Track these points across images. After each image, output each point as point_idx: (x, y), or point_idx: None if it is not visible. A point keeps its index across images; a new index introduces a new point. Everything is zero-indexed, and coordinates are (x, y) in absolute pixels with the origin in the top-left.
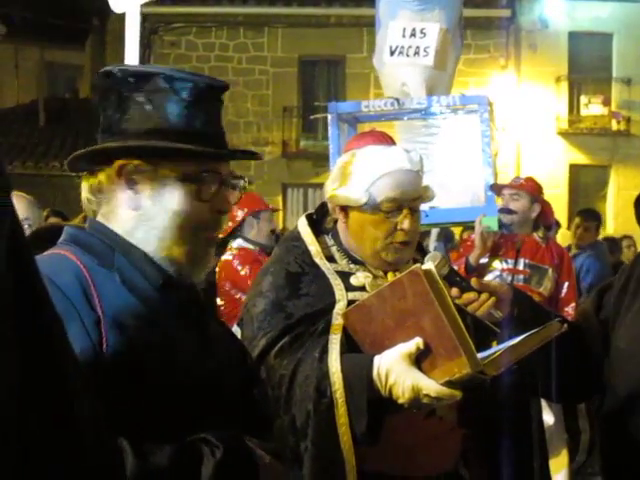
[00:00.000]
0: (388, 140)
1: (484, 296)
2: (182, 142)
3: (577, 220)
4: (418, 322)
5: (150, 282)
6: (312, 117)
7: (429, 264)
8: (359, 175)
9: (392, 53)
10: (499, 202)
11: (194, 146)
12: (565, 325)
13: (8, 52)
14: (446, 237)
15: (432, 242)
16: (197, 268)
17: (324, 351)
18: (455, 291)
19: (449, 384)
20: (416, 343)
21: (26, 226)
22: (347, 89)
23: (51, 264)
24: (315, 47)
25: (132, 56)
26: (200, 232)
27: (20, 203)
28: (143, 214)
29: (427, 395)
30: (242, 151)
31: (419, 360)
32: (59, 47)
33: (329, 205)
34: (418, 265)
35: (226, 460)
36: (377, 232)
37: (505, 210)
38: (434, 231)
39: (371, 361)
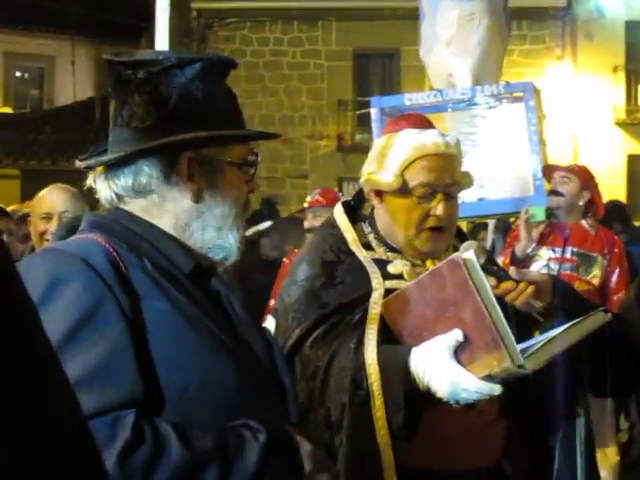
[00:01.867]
0: (425, 123)
1: (522, 285)
2: (227, 126)
3: None
4: (458, 313)
5: (180, 268)
6: (358, 112)
7: (470, 252)
8: (392, 159)
9: (448, 44)
10: (548, 187)
11: (240, 130)
12: (609, 315)
13: (65, 48)
14: (505, 228)
15: (490, 234)
16: (239, 252)
17: (360, 342)
18: (492, 281)
19: (488, 378)
20: (455, 335)
21: (65, 219)
22: (402, 82)
23: (83, 247)
24: (369, 40)
25: (162, 41)
26: (243, 214)
27: (61, 195)
28: (202, 205)
29: (466, 389)
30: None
31: (458, 352)
32: (115, 44)
33: (365, 190)
34: (458, 254)
35: (270, 443)
36: (410, 218)
37: (553, 192)
38: (491, 223)
39: (409, 353)
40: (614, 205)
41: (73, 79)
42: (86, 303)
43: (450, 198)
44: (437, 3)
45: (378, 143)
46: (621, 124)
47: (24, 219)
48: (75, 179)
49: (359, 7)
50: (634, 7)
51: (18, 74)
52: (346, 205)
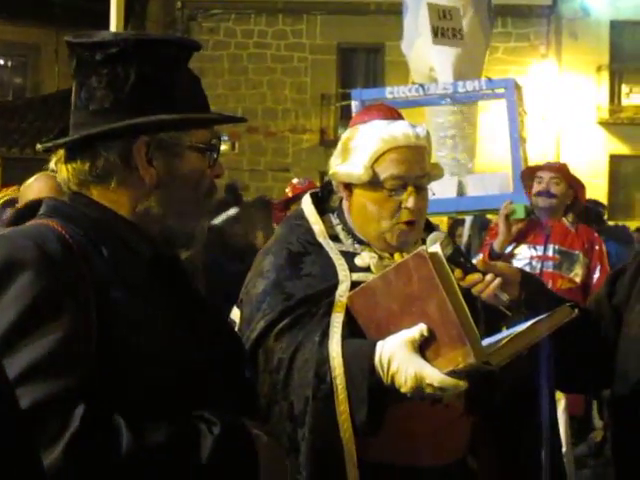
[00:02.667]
0: (394, 114)
1: (489, 277)
2: (188, 110)
3: None
4: (423, 307)
5: (140, 256)
6: (338, 104)
7: (436, 246)
8: (362, 151)
9: (436, 34)
10: (536, 187)
11: (204, 113)
12: (576, 310)
13: (49, 37)
14: (482, 225)
15: (466, 230)
16: (201, 239)
17: (325, 335)
18: (458, 273)
19: (453, 373)
20: (420, 329)
21: None
22: (386, 76)
23: (37, 233)
24: (354, 34)
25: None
26: (207, 200)
27: (49, 182)
28: (164, 191)
29: (430, 385)
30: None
31: (423, 347)
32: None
33: (333, 183)
34: (424, 247)
35: (225, 436)
36: (381, 211)
37: (545, 193)
38: (468, 220)
39: (373, 347)
40: (587, 206)
41: (57, 68)
42: (39, 290)
43: (420, 190)
44: None
45: (346, 135)
46: (604, 123)
47: (12, 204)
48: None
49: (344, 1)
50: (619, 7)
51: (1, 62)
52: (314, 196)
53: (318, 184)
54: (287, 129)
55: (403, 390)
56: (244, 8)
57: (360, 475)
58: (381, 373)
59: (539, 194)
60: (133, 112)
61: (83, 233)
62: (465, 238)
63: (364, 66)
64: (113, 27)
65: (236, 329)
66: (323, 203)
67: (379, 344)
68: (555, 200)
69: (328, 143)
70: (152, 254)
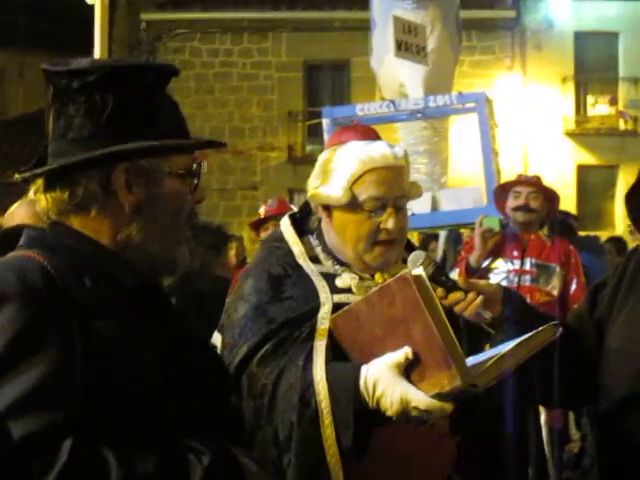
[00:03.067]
0: (372, 134)
1: (471, 295)
2: (167, 136)
3: None
4: (407, 330)
5: (123, 284)
6: (308, 123)
7: (419, 269)
8: (340, 172)
9: (399, 47)
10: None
11: (182, 139)
12: (560, 329)
13: (14, 60)
14: (456, 240)
15: (441, 245)
16: (186, 263)
17: (309, 359)
18: (440, 291)
19: (439, 396)
20: (405, 353)
21: None
22: (352, 93)
23: (18, 265)
24: (320, 51)
25: (101, 48)
26: (187, 226)
27: (31, 209)
28: (144, 218)
29: (416, 408)
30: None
31: (408, 370)
32: (65, 55)
33: (312, 204)
34: (407, 270)
35: (213, 466)
36: (360, 232)
37: (524, 208)
38: (442, 234)
39: (358, 371)
40: (558, 221)
41: (21, 91)
42: (22, 324)
43: (400, 210)
44: (389, 13)
45: (324, 156)
46: (571, 134)
47: None
48: (25, 192)
49: (309, 19)
50: (583, 18)
51: None
52: (293, 218)
53: (288, 200)
54: (255, 147)
55: (389, 413)
56: (209, 27)
57: None
58: (366, 397)
59: (518, 209)
60: (112, 140)
61: (65, 264)
62: (440, 253)
63: (330, 82)
64: (97, 54)
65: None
66: (302, 224)
67: (363, 368)
68: (534, 215)
69: (296, 160)
70: (134, 283)
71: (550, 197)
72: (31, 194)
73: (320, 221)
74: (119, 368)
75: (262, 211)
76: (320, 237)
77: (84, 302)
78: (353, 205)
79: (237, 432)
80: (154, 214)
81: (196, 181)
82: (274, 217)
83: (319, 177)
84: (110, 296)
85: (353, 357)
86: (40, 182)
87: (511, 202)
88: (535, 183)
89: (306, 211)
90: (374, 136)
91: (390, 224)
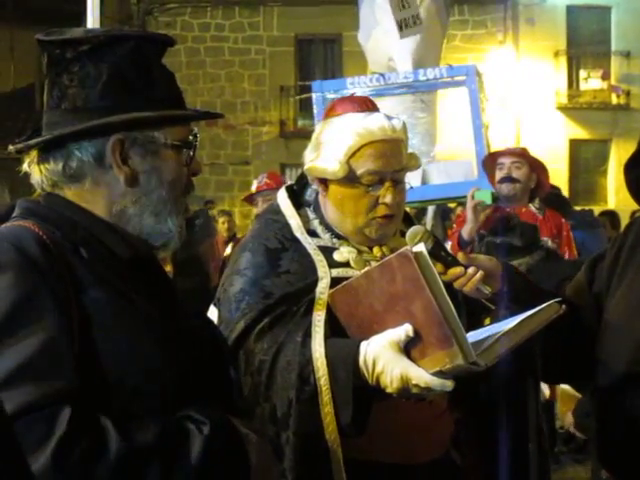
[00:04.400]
0: (369, 106)
1: (471, 270)
2: (163, 107)
3: None
4: (408, 307)
5: (118, 256)
6: (300, 97)
7: (421, 246)
8: (337, 145)
9: (401, 27)
10: (498, 174)
11: (178, 110)
12: (563, 306)
13: (4, 36)
14: (443, 214)
15: (429, 220)
16: (181, 237)
17: (307, 335)
18: (439, 267)
19: (440, 374)
20: (405, 330)
21: None
22: (344, 67)
23: (14, 235)
24: (311, 25)
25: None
26: (184, 199)
27: None
28: (138, 189)
29: (417, 385)
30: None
31: (408, 347)
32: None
33: (308, 177)
34: (408, 247)
35: (214, 436)
36: (358, 207)
37: (507, 179)
38: (430, 209)
39: (357, 347)
40: (552, 195)
41: (12, 66)
42: (19, 293)
43: (398, 184)
44: None
45: (320, 128)
46: (563, 108)
47: None
48: (16, 166)
49: None
50: None
51: None
52: (290, 190)
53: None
54: (246, 122)
55: (389, 391)
56: (200, 1)
57: (347, 476)
58: (366, 374)
59: (502, 181)
60: (106, 110)
61: (60, 234)
62: (428, 227)
63: (322, 57)
64: (90, 25)
65: None
66: (298, 197)
67: (363, 344)
68: (518, 185)
69: (288, 135)
70: (130, 255)
71: (537, 167)
72: (25, 166)
73: (317, 194)
74: (115, 337)
75: (254, 188)
76: (317, 210)
77: (80, 272)
78: (350, 179)
79: (237, 404)
80: (149, 186)
81: (192, 153)
82: (262, 193)
83: (315, 150)
84: (106, 266)
85: (351, 332)
86: (34, 154)
87: (497, 175)
88: (517, 153)
89: (302, 184)
90: (371, 107)
91: (388, 198)
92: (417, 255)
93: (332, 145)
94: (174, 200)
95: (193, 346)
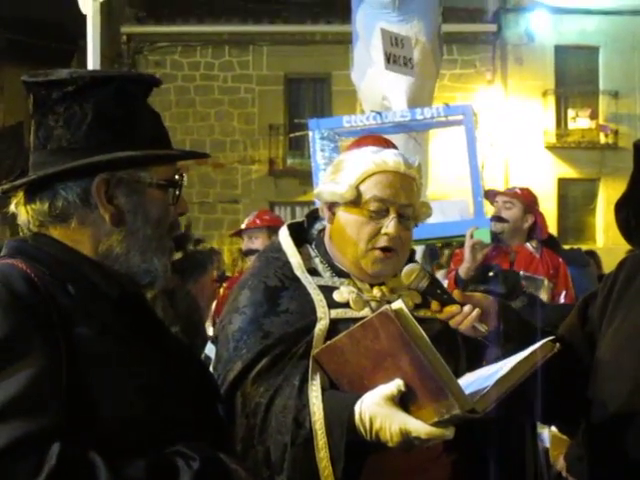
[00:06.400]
0: (389, 144)
1: (467, 309)
2: (148, 146)
3: None
4: (397, 363)
5: (106, 294)
6: (292, 135)
7: (399, 302)
8: (350, 170)
9: (388, 60)
10: (489, 214)
11: (164, 149)
12: (557, 345)
13: None
14: (431, 254)
15: (418, 260)
16: (168, 275)
17: (304, 380)
18: (435, 305)
19: (439, 423)
20: (397, 385)
21: None
22: (333, 106)
23: (1, 272)
24: (300, 65)
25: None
26: (169, 238)
27: None
28: (125, 229)
29: (417, 438)
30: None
31: (404, 401)
32: (44, 68)
33: (319, 205)
34: (388, 306)
35: (203, 471)
36: (360, 233)
37: (496, 218)
38: (419, 249)
39: (352, 406)
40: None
41: (1, 104)
42: (7, 329)
43: (404, 220)
44: (372, 26)
45: (338, 158)
46: (551, 148)
47: None
48: (5, 205)
49: (290, 32)
50: (563, 32)
51: None
52: (292, 228)
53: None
54: (236, 160)
55: (390, 445)
56: (190, 40)
57: None
58: (363, 432)
59: (492, 219)
60: (91, 150)
61: (48, 272)
62: None
63: (311, 96)
64: (90, 64)
65: (212, 366)
66: (303, 233)
67: (357, 404)
68: (506, 225)
69: (277, 173)
70: (118, 294)
71: (531, 209)
72: (12, 207)
73: (320, 232)
74: (103, 373)
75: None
76: (319, 247)
77: (68, 310)
78: (357, 203)
79: (225, 442)
80: (135, 225)
81: (178, 192)
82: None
83: (329, 176)
84: (94, 304)
85: (342, 388)
86: (21, 195)
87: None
88: (509, 193)
89: (312, 218)
90: (391, 146)
91: (391, 229)
92: (397, 312)
93: (345, 171)
94: (160, 239)
95: (182, 383)
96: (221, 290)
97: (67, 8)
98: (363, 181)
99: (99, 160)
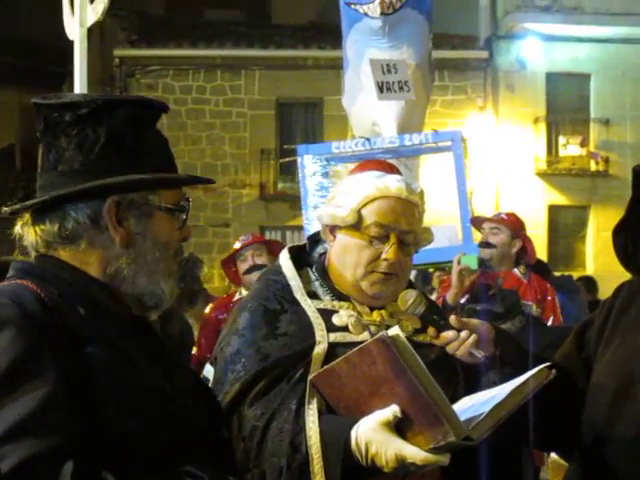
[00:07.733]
0: (393, 170)
1: (464, 334)
2: (157, 170)
3: None
4: (393, 389)
5: (114, 316)
6: (281, 161)
7: (395, 329)
8: (352, 195)
9: (381, 89)
10: (477, 240)
11: (171, 174)
12: (553, 371)
13: None
14: (423, 279)
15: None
16: (172, 298)
17: (301, 404)
18: (432, 331)
19: (434, 450)
20: (393, 411)
21: None
22: (325, 131)
23: (13, 292)
24: (292, 89)
25: (81, 83)
26: (175, 261)
27: None
28: (134, 251)
29: (413, 464)
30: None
31: (400, 426)
32: (37, 90)
33: (321, 227)
34: (385, 332)
35: None
36: (359, 258)
37: (484, 244)
38: (412, 274)
39: (349, 431)
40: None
41: None
42: (20, 348)
43: (404, 246)
44: (362, 52)
45: (342, 181)
46: (542, 175)
47: None
48: (2, 227)
49: (282, 56)
50: (554, 59)
51: None
52: (293, 251)
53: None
54: (227, 184)
55: (385, 471)
56: (182, 64)
57: None
58: (359, 457)
59: (479, 245)
60: (103, 173)
61: (57, 293)
62: None
63: (303, 120)
64: (77, 88)
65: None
66: (304, 256)
67: (353, 430)
68: (494, 251)
69: (268, 197)
70: (125, 314)
71: (519, 235)
72: (18, 228)
73: (322, 255)
74: (115, 395)
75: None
76: (319, 270)
77: (79, 330)
78: (357, 227)
79: (230, 464)
80: (144, 247)
81: (184, 217)
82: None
83: (332, 198)
84: (103, 324)
85: (339, 412)
86: (28, 216)
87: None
88: (495, 219)
89: (313, 241)
90: (395, 171)
91: (390, 254)
92: (394, 339)
93: (348, 195)
94: (167, 262)
95: (187, 406)
96: (207, 310)
97: (58, 31)
98: (365, 205)
99: (112, 182)
